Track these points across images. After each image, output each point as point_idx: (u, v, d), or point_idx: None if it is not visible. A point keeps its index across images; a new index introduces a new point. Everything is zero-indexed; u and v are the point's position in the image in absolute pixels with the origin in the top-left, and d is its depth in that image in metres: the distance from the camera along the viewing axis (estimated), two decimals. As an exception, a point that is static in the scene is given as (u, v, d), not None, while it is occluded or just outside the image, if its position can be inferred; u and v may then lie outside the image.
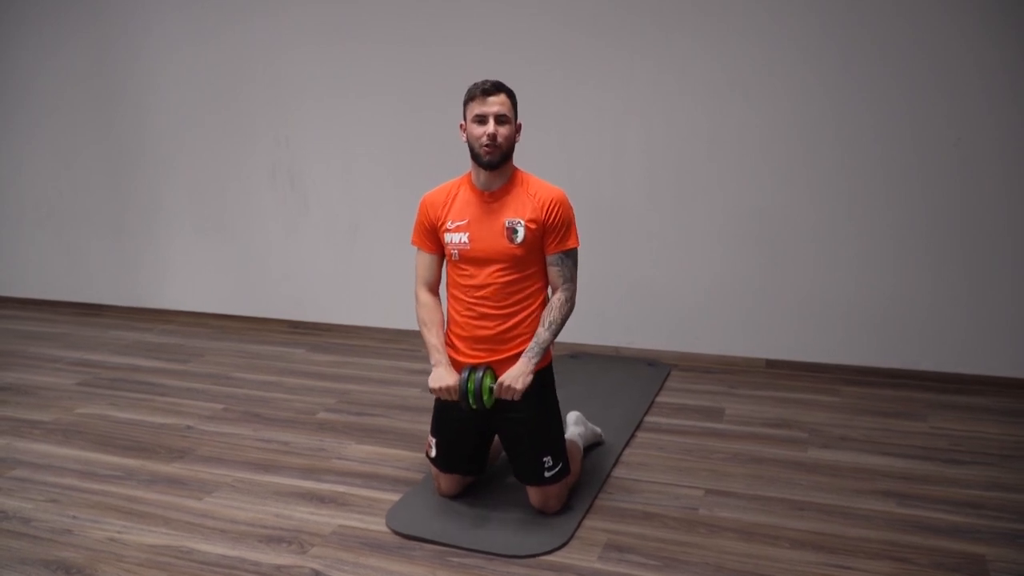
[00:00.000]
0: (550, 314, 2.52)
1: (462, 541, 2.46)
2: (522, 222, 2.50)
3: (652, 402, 3.56)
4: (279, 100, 4.57)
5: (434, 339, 2.57)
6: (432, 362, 2.54)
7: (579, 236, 2.61)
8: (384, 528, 2.57)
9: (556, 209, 2.52)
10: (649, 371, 3.93)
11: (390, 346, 4.46)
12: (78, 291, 5.34)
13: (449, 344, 2.62)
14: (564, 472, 2.58)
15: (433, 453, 2.68)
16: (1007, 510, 2.59)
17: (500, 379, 2.42)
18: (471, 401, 2.40)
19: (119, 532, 2.58)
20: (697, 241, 3.97)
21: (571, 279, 2.57)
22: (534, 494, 2.59)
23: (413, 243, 2.68)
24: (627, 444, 3.14)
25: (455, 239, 2.56)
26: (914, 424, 3.28)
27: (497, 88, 2.47)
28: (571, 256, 2.57)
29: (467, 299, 2.56)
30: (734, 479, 2.84)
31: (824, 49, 3.62)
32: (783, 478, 2.84)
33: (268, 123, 4.62)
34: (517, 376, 2.42)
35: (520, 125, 2.56)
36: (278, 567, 2.36)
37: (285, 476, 2.94)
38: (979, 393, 3.60)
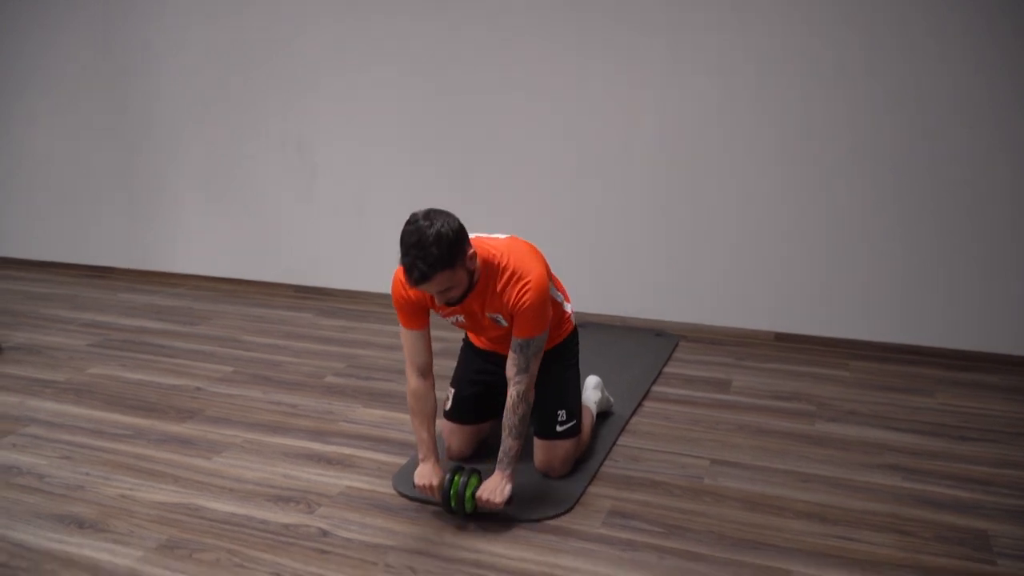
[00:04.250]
0: (508, 420, 2.36)
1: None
2: (499, 315, 2.39)
3: (659, 372, 3.57)
4: (289, 69, 4.55)
5: (424, 433, 2.40)
6: (420, 456, 2.41)
7: (547, 323, 2.36)
8: (391, 490, 2.59)
9: (518, 307, 2.30)
10: (657, 341, 3.93)
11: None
12: (87, 254, 5.36)
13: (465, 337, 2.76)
14: (575, 431, 2.60)
15: (448, 405, 2.72)
16: (1013, 487, 2.59)
17: (479, 492, 2.32)
18: (452, 503, 2.34)
19: (130, 489, 2.61)
20: (707, 213, 3.95)
21: (525, 370, 2.34)
22: (542, 450, 2.60)
23: (403, 324, 2.43)
24: (634, 413, 3.15)
25: (450, 317, 2.50)
26: (923, 400, 3.28)
27: (422, 279, 2.11)
28: (531, 345, 2.34)
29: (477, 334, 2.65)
30: (740, 450, 2.85)
31: (843, 19, 3.58)
32: (789, 450, 2.85)
33: (278, 91, 4.60)
34: (495, 489, 2.33)
35: (472, 254, 2.22)
36: (286, 526, 2.39)
37: (293, 438, 2.96)
38: (989, 371, 3.59)
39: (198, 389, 3.43)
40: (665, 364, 3.67)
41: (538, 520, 2.41)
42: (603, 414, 3.08)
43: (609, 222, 4.12)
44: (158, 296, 4.85)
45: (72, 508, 2.50)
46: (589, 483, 2.62)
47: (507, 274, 2.32)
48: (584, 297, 4.25)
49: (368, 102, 4.44)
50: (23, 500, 2.54)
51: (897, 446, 2.87)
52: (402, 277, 2.36)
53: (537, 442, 2.62)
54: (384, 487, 2.60)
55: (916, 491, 2.57)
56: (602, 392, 3.03)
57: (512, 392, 2.35)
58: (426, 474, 2.36)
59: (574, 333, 2.71)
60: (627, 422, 3.07)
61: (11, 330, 4.18)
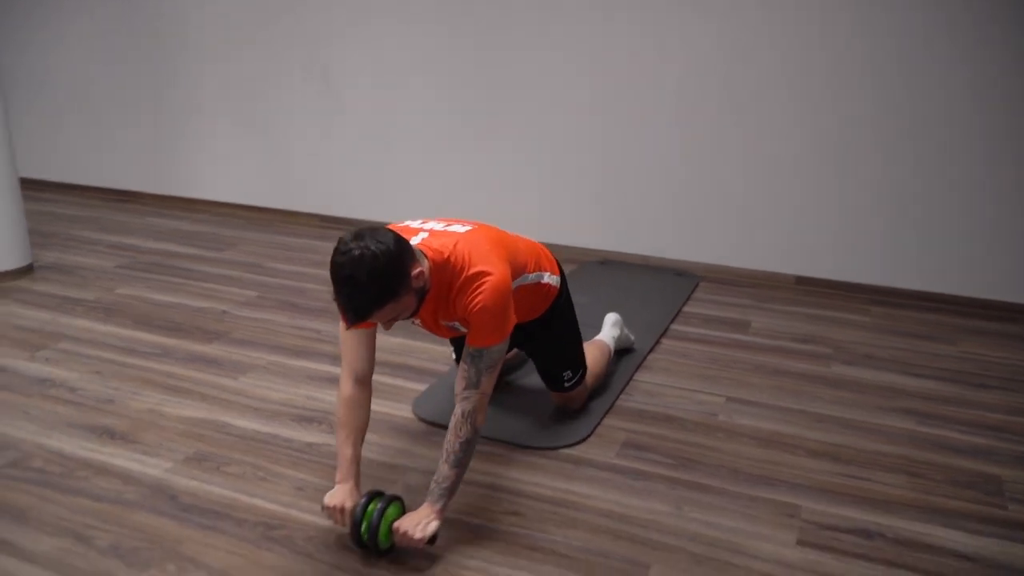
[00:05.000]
0: (448, 444, 1.99)
1: (485, 431, 2.54)
2: (456, 322, 2.12)
3: (679, 311, 3.59)
4: (320, -10, 4.51)
5: (348, 450, 2.02)
6: (337, 477, 2.02)
7: (506, 333, 2.05)
8: (410, 415, 2.65)
9: (474, 312, 1.99)
10: (677, 281, 3.95)
11: (422, 245, 4.50)
12: (114, 178, 5.41)
13: None
14: (582, 379, 2.62)
15: (453, 356, 2.74)
16: (1026, 433, 2.62)
17: (398, 524, 1.91)
18: (363, 534, 1.93)
19: (158, 404, 2.69)
20: (732, 154, 3.92)
21: (475, 384, 1.99)
22: (555, 397, 2.65)
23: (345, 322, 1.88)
24: (651, 350, 3.18)
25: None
26: (943, 347, 3.28)
27: (360, 319, 1.82)
28: (485, 357, 2.00)
29: None
30: (756, 389, 2.88)
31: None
32: (805, 391, 2.88)
33: (307, 19, 4.56)
34: (418, 523, 1.91)
35: (418, 273, 1.87)
36: (309, 444, 2.46)
37: (316, 362, 3.02)
38: (1011, 320, 3.58)
39: (224, 312, 3.49)
40: (684, 304, 3.69)
41: (554, 448, 2.46)
42: (623, 351, 3.12)
43: (631, 161, 4.10)
44: (184, 221, 4.90)
45: (104, 420, 2.58)
46: (605, 415, 2.67)
47: (463, 276, 2.00)
48: (605, 236, 4.26)
49: (396, 35, 4.40)
50: (57, 411, 2.63)
51: (914, 391, 2.89)
52: None
53: (550, 391, 2.65)
54: (403, 411, 2.66)
55: (930, 435, 2.59)
56: (621, 329, 3.06)
57: (457, 411, 1.99)
58: (339, 496, 1.98)
59: (560, 298, 2.49)
60: (644, 359, 3.10)
61: (42, 250, 4.26)
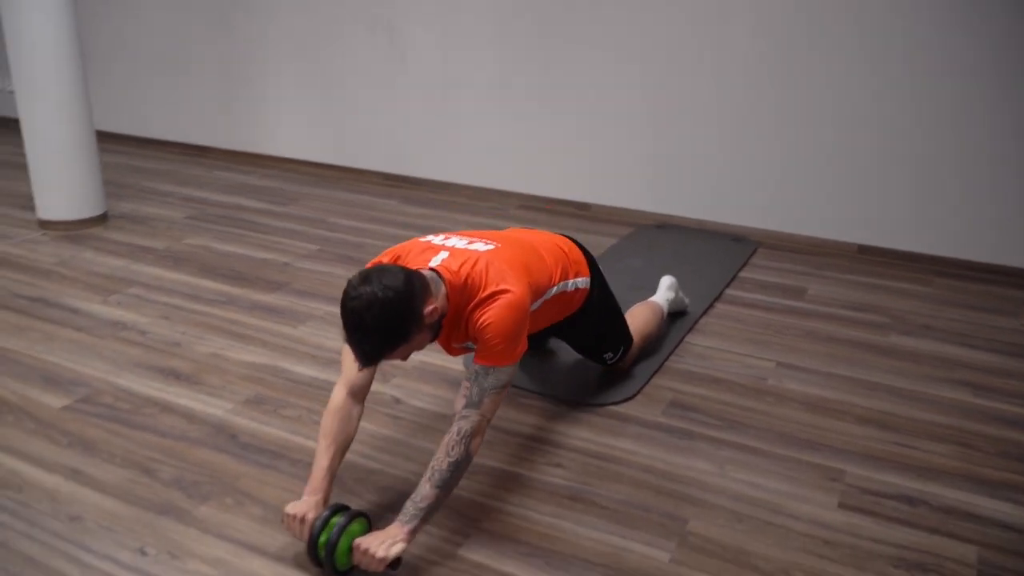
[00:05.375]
0: (436, 461, 1.82)
1: (534, 386, 2.59)
2: (469, 342, 2.03)
3: (734, 276, 3.57)
4: (386, -52, 4.54)
5: (325, 460, 1.87)
6: (306, 489, 1.86)
7: (516, 355, 1.92)
8: (462, 368, 2.71)
9: (480, 330, 1.89)
10: (734, 247, 3.92)
11: (479, 203, 4.55)
12: (186, 132, 5.56)
13: None
14: (625, 354, 2.61)
15: None
16: (1086, 409, 2.56)
17: (360, 540, 1.73)
18: (320, 550, 1.74)
19: (222, 349, 2.80)
20: (793, 118, 3.85)
21: (477, 404, 1.85)
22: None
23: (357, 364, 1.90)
24: (704, 313, 3.18)
25: None
26: (1004, 320, 3.21)
27: (372, 363, 1.79)
28: (491, 376, 1.87)
29: None
30: (808, 355, 2.87)
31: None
32: (858, 359, 2.85)
33: (374, -28, 4.60)
34: (382, 542, 1.72)
35: (431, 310, 1.80)
36: (362, 392, 2.54)
37: (373, 314, 3.10)
38: (1079, 296, 3.48)
39: (286, 264, 3.60)
40: (741, 269, 3.66)
41: (600, 405, 2.50)
42: (676, 313, 3.12)
43: (691, 123, 4.06)
44: (252, 176, 5.03)
45: (170, 362, 2.71)
46: (653, 375, 2.69)
47: (478, 296, 1.91)
48: (663, 200, 4.24)
49: (461, -10, 4.41)
50: (127, 352, 2.77)
51: (971, 363, 2.84)
52: (382, 260, 2.04)
53: None
54: (455, 364, 2.73)
55: (985, 407, 2.56)
56: (676, 292, 3.06)
57: (453, 429, 1.84)
58: (302, 506, 1.81)
59: (591, 296, 2.39)
60: (696, 322, 3.11)
61: (117, 200, 4.42)
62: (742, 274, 3.62)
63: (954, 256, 3.73)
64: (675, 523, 1.99)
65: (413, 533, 1.76)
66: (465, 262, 1.94)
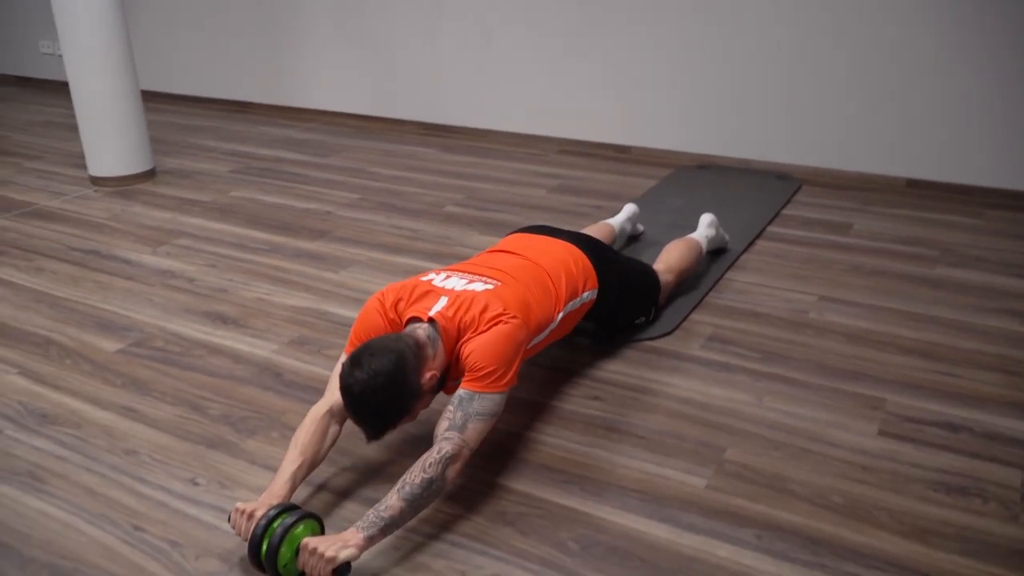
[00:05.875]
0: (409, 476, 1.67)
1: (573, 323, 2.60)
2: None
3: (777, 214, 3.52)
4: None
5: (289, 468, 1.74)
6: (262, 496, 1.71)
7: (504, 384, 1.82)
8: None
9: (470, 359, 1.81)
10: (778, 184, 3.86)
11: (519, 149, 4.54)
12: (231, 89, 5.63)
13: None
14: (656, 315, 2.59)
15: None
16: None
17: (307, 541, 1.56)
18: (261, 554, 1.56)
19: (267, 294, 2.87)
20: (835, 50, 3.75)
21: (461, 429, 1.74)
22: None
23: (348, 349, 1.94)
24: (745, 250, 3.16)
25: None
26: (1057, 250, 3.12)
27: (374, 437, 1.75)
28: (476, 402, 1.77)
29: None
30: (851, 289, 2.83)
31: None
32: (904, 291, 2.81)
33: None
34: (332, 544, 1.55)
35: (430, 376, 1.77)
36: (403, 332, 2.59)
37: (413, 258, 3.14)
38: None
39: (328, 213, 3.65)
40: (784, 206, 3.61)
41: (638, 340, 2.51)
42: (717, 251, 3.10)
43: (733, 61, 3.97)
44: (294, 130, 5.08)
45: (217, 307, 2.78)
46: (692, 310, 2.68)
47: (471, 331, 1.85)
48: (705, 140, 4.18)
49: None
50: (176, 298, 2.85)
51: (1020, 293, 2.78)
52: (385, 299, 1.97)
53: None
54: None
55: (1033, 336, 2.51)
56: (716, 230, 3.03)
57: (435, 448, 1.71)
58: (253, 504, 1.67)
59: (601, 298, 2.32)
60: (737, 258, 3.08)
61: (164, 156, 4.51)
62: (785, 211, 3.57)
63: (1008, 187, 3.63)
64: (712, 451, 2.01)
65: (369, 541, 1.59)
66: (460, 307, 1.88)
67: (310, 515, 1.62)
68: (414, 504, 1.65)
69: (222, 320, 2.69)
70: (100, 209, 3.74)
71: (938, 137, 3.69)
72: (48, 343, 2.56)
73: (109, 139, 3.98)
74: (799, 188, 3.84)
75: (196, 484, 1.92)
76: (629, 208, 3.18)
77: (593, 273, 2.30)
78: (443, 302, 1.91)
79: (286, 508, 1.60)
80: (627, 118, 4.35)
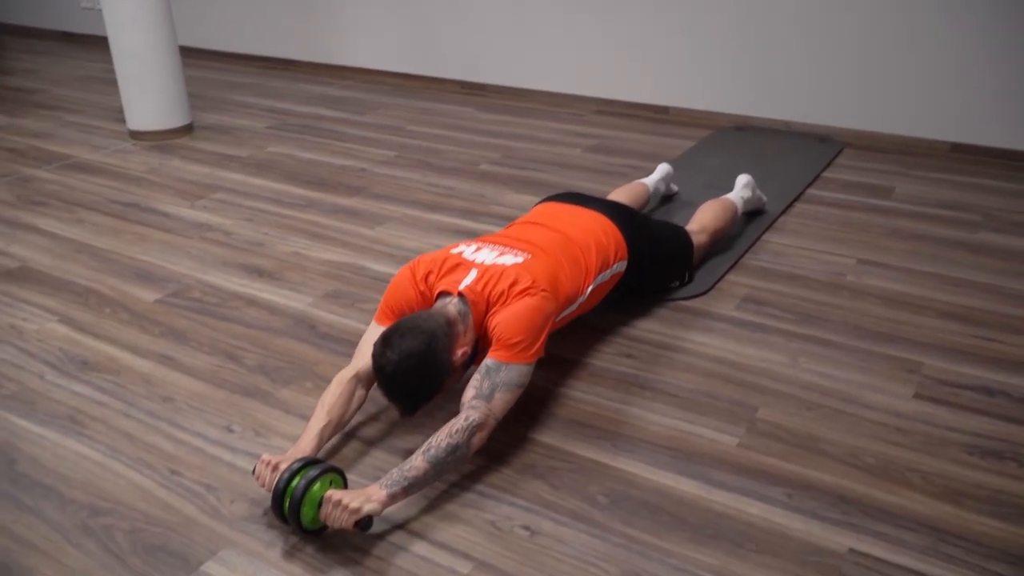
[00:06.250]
0: (435, 438, 1.69)
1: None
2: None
3: (817, 176, 3.46)
4: None
5: (316, 425, 1.77)
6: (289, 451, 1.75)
7: (532, 355, 1.83)
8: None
9: (498, 329, 1.82)
10: (819, 147, 3.79)
11: (556, 109, 4.50)
12: (270, 46, 5.63)
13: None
14: (691, 277, 2.58)
15: None
16: None
17: (331, 493, 1.58)
18: (284, 506, 1.59)
19: (303, 248, 2.89)
20: (879, 11, 3.65)
21: (488, 398, 1.76)
22: None
23: (378, 316, 1.97)
24: (783, 212, 3.11)
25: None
26: (1106, 216, 3.04)
27: (407, 414, 1.80)
28: (503, 372, 1.79)
29: None
30: (890, 252, 2.79)
31: None
32: (944, 256, 2.76)
33: None
34: (355, 497, 1.57)
35: (462, 353, 1.81)
36: (436, 287, 2.60)
37: (447, 216, 3.15)
38: None
39: (363, 170, 3.65)
40: (825, 169, 3.55)
41: (673, 300, 2.50)
42: (753, 212, 3.06)
43: (773, 20, 3.89)
44: (333, 87, 5.08)
45: (254, 260, 2.81)
46: (728, 271, 2.66)
47: (500, 302, 1.87)
48: (745, 101, 4.11)
49: None
50: (213, 251, 2.88)
51: (1066, 260, 2.72)
52: (416, 270, 1.98)
53: None
54: (528, 262, 2.75)
55: (1077, 303, 2.45)
56: (753, 191, 2.99)
57: (461, 414, 1.73)
58: (279, 456, 1.70)
59: (631, 268, 2.30)
60: (775, 220, 3.04)
61: (203, 112, 4.54)
62: (825, 174, 3.51)
63: (1056, 152, 3.53)
64: (744, 410, 2.00)
65: (391, 499, 1.61)
66: (489, 280, 1.89)
67: (333, 469, 1.63)
68: (438, 467, 1.66)
69: (258, 273, 2.72)
70: (138, 163, 3.78)
71: (983, 100, 3.59)
72: (88, 292, 2.62)
73: (147, 94, 4.01)
74: (841, 151, 3.77)
75: (231, 431, 1.96)
76: (663, 168, 3.14)
77: (623, 243, 2.27)
78: (473, 275, 1.91)
79: (310, 462, 1.62)
80: (665, 78, 4.29)
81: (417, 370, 1.71)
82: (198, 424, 1.98)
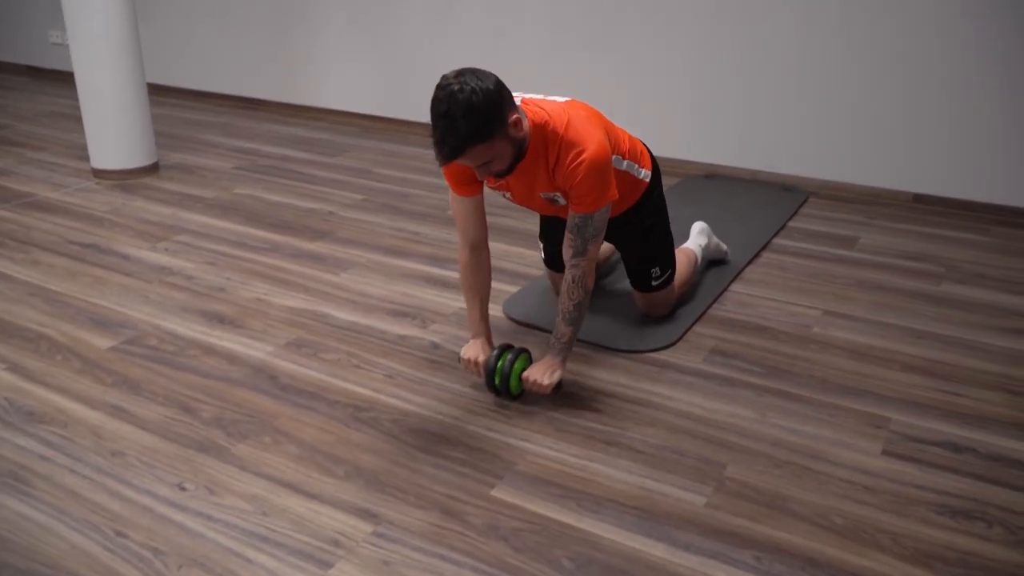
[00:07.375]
0: (563, 304, 2.16)
1: (573, 332, 2.57)
2: (556, 193, 2.18)
3: (783, 226, 3.48)
4: None
5: (475, 312, 2.25)
6: (470, 334, 2.28)
7: (607, 199, 2.10)
8: (500, 314, 2.70)
9: (576, 177, 2.03)
10: (785, 196, 3.82)
11: (526, 154, 4.50)
12: (236, 85, 5.60)
13: None
14: (671, 279, 2.60)
15: (542, 256, 2.76)
16: None
17: (527, 374, 2.15)
18: (497, 382, 2.17)
19: (265, 294, 2.84)
20: (845, 65, 3.71)
21: (582, 252, 2.11)
22: (640, 299, 2.63)
23: (453, 190, 2.20)
24: (750, 262, 3.12)
25: (497, 193, 2.32)
26: (1066, 270, 3.08)
27: (452, 155, 1.86)
28: (589, 225, 2.09)
29: None
30: (855, 304, 2.79)
31: None
32: (908, 308, 2.77)
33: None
34: (545, 371, 2.14)
35: (516, 119, 1.93)
36: (401, 337, 2.55)
37: (414, 261, 3.11)
38: None
39: (331, 213, 3.61)
40: (790, 219, 3.57)
41: (640, 352, 2.47)
42: (716, 262, 3.06)
43: (742, 72, 3.94)
44: (303, 128, 5.05)
45: (214, 306, 2.75)
46: (694, 323, 2.65)
47: (562, 142, 2.03)
48: (712, 150, 4.14)
49: (506, -65, 4.33)
50: (173, 296, 2.82)
51: (1028, 313, 2.74)
52: None
53: (635, 292, 2.64)
54: (495, 311, 2.72)
55: (1040, 357, 2.46)
56: (709, 238, 2.98)
57: (568, 276, 2.14)
58: (473, 350, 2.22)
59: (649, 192, 2.47)
60: (741, 270, 3.04)
61: (169, 151, 4.49)
62: (791, 224, 3.53)
63: (1015, 204, 3.58)
64: (712, 468, 1.97)
65: (563, 363, 2.18)
66: (542, 108, 2.05)
67: (523, 350, 2.20)
68: (576, 323, 2.17)
69: (219, 320, 2.66)
70: (101, 202, 3.71)
71: (946, 153, 3.65)
72: (39, 338, 2.54)
73: (113, 131, 3.95)
74: (806, 200, 3.80)
75: (183, 489, 1.89)
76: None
77: (648, 159, 2.45)
78: (521, 95, 2.10)
79: (505, 349, 2.18)
80: (635, 125, 4.30)
81: (480, 101, 1.81)
82: (148, 481, 1.91)
